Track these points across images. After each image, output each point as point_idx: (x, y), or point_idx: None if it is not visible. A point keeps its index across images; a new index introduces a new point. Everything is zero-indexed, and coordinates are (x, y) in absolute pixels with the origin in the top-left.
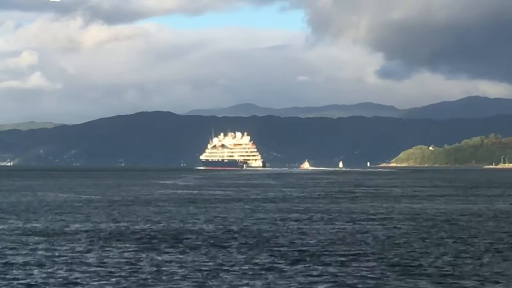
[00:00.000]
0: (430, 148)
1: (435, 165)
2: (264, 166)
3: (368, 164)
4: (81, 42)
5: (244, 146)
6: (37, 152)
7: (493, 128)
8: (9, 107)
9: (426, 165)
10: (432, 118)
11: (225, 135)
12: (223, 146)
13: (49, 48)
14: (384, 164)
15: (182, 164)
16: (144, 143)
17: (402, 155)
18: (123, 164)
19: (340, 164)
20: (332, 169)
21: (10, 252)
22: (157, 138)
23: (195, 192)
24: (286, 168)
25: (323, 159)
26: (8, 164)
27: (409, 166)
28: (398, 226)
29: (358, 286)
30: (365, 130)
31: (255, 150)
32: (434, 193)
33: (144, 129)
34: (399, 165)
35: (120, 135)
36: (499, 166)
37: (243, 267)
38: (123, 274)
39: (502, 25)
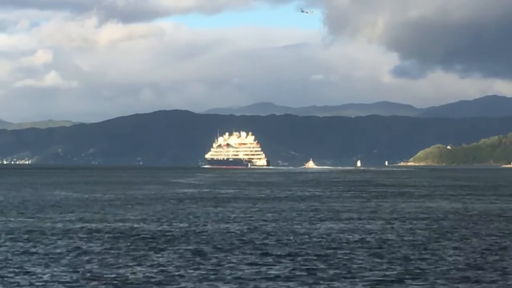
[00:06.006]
0: (448, 147)
1: (453, 164)
2: (268, 165)
3: (386, 163)
4: (95, 41)
5: (249, 145)
6: (55, 150)
7: (511, 127)
8: (26, 106)
9: (444, 164)
10: (450, 117)
11: (230, 134)
12: (228, 145)
13: (63, 47)
14: (402, 163)
15: (200, 163)
16: (162, 142)
17: (420, 154)
18: (141, 163)
19: (358, 163)
20: (339, 168)
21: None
22: (176, 136)
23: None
24: (291, 167)
25: (342, 158)
26: (27, 162)
27: (427, 165)
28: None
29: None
30: (383, 129)
31: (260, 149)
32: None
33: (162, 128)
34: (417, 164)
35: (139, 134)
36: None
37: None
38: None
39: None
